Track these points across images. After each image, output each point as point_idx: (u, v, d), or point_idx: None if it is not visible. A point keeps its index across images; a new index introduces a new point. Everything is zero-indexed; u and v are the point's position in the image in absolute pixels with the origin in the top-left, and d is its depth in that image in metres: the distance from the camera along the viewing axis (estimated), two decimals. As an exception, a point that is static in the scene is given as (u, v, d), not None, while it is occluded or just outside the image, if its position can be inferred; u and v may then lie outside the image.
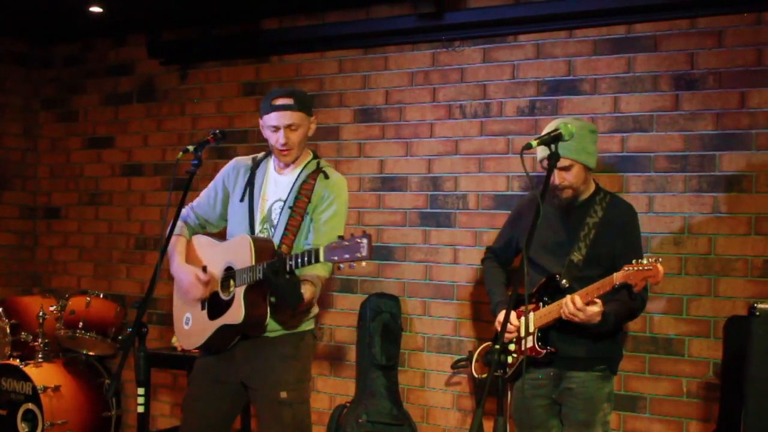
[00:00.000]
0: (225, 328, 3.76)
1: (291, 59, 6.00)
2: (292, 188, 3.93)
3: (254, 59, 6.16)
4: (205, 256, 4.01)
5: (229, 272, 3.81)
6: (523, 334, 4.06)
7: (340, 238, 3.39)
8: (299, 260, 3.51)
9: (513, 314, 4.08)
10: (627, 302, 3.93)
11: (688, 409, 4.70)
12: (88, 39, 6.94)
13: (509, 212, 4.64)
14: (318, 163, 4.01)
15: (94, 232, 6.89)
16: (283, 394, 3.83)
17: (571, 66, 5.06)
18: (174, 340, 5.73)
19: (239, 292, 3.69)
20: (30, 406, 5.69)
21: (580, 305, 3.81)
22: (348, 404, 5.52)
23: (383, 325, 5.45)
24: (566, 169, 3.94)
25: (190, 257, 4.06)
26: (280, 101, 3.88)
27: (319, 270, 3.81)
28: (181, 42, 6.44)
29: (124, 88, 6.78)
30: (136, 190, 6.69)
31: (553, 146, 3.51)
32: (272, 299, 3.73)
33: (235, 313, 3.69)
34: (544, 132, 3.74)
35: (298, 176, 3.96)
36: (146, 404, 3.60)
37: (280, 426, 3.86)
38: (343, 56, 5.81)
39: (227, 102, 6.22)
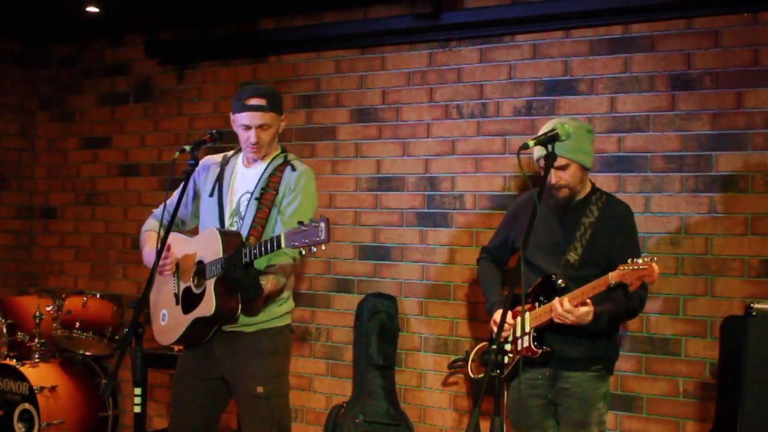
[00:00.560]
0: (198, 321, 3.81)
1: (288, 59, 6.00)
2: (259, 180, 3.98)
3: (251, 59, 6.16)
4: (178, 252, 4.04)
5: (201, 266, 3.84)
6: (519, 333, 4.07)
7: (300, 223, 3.42)
8: (262, 248, 3.54)
9: (509, 315, 4.08)
10: (623, 302, 3.93)
11: (684, 409, 4.71)
12: (85, 39, 6.94)
13: (506, 212, 4.64)
14: (285, 156, 4.07)
15: (91, 232, 6.89)
16: (260, 389, 3.88)
17: (568, 66, 5.06)
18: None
19: (209, 285, 3.73)
20: (27, 406, 5.69)
21: (568, 307, 3.82)
22: (345, 404, 5.52)
23: (380, 325, 5.45)
24: (563, 168, 3.94)
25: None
26: (252, 101, 3.91)
27: (283, 259, 3.84)
28: (178, 42, 6.44)
29: (120, 88, 6.78)
30: (132, 190, 6.69)
31: (550, 146, 3.51)
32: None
33: (207, 306, 3.74)
34: (541, 132, 3.74)
35: (266, 169, 4.01)
36: (143, 404, 3.60)
37: (258, 420, 3.91)
38: (340, 56, 5.81)
39: (224, 102, 6.21)
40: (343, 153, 5.78)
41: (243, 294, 3.74)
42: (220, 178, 4.08)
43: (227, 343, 3.93)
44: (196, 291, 3.84)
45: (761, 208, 4.57)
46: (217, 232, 3.79)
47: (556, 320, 3.88)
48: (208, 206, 4.08)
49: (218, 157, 4.20)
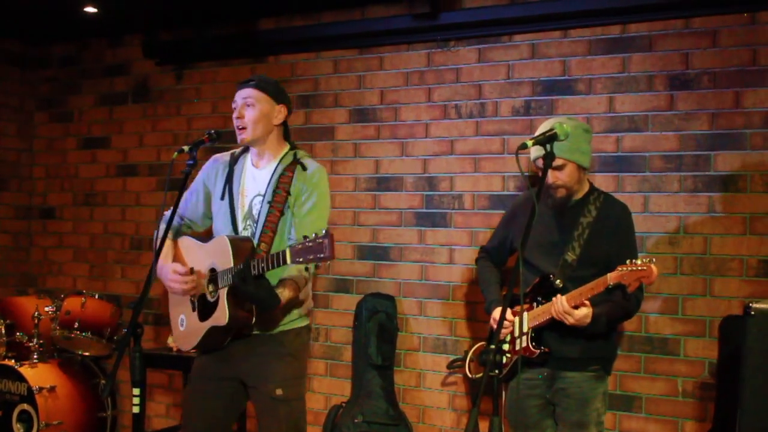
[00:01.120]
0: (213, 330, 3.76)
1: (286, 59, 6.00)
2: (269, 182, 3.89)
3: (250, 59, 6.16)
4: (191, 258, 3.99)
5: (214, 273, 3.80)
6: (517, 333, 4.07)
7: (305, 237, 3.36)
8: (267, 265, 3.49)
9: (508, 312, 4.08)
10: (620, 303, 3.93)
11: (683, 408, 4.71)
12: (84, 39, 6.93)
13: (504, 212, 4.64)
14: (295, 155, 3.96)
15: (89, 233, 6.89)
16: (279, 391, 3.83)
17: (566, 66, 5.06)
18: (170, 340, 5.73)
19: (222, 294, 3.68)
20: (25, 406, 5.68)
21: (566, 308, 3.82)
22: (344, 404, 5.52)
23: (379, 325, 5.45)
24: (560, 168, 3.94)
25: (177, 260, 4.03)
26: (244, 81, 3.93)
27: (296, 271, 3.76)
28: (176, 42, 6.44)
29: (119, 88, 6.77)
30: (131, 190, 6.68)
31: (548, 146, 3.51)
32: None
33: (221, 315, 3.69)
34: (539, 132, 3.74)
35: (275, 169, 3.91)
36: (141, 405, 3.60)
37: (276, 423, 3.86)
38: (339, 56, 5.81)
39: (223, 102, 6.21)
40: (342, 153, 5.78)
41: (258, 306, 3.67)
42: (229, 180, 3.99)
43: (245, 345, 3.88)
44: (211, 299, 3.79)
45: (760, 207, 4.57)
46: (228, 240, 3.72)
47: (555, 317, 3.88)
48: (219, 209, 4.00)
49: (226, 156, 4.10)
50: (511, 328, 4.10)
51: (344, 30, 5.73)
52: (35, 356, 5.86)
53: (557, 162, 3.85)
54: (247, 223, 3.91)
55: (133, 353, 3.54)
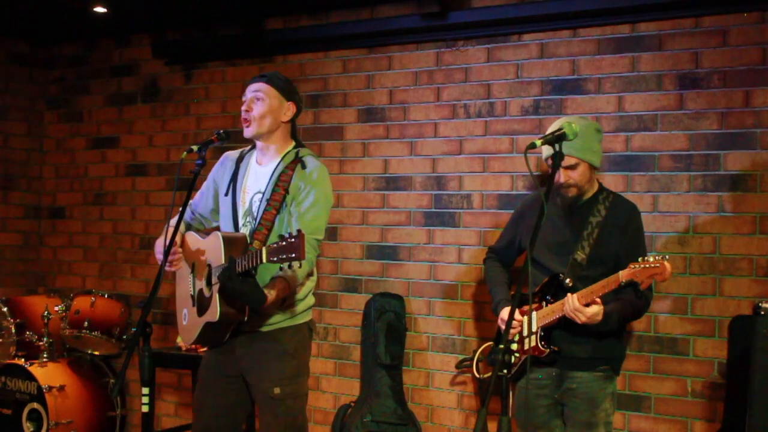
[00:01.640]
0: (209, 326, 3.78)
1: (295, 59, 6.01)
2: (270, 180, 3.89)
3: (258, 59, 6.16)
4: (194, 255, 4.02)
5: (210, 269, 3.83)
6: (526, 333, 4.06)
7: (281, 236, 3.37)
8: (247, 262, 3.47)
9: (516, 311, 4.08)
10: (631, 301, 3.93)
11: (692, 408, 4.70)
12: (92, 39, 6.95)
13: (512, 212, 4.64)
14: (297, 152, 3.95)
15: (99, 232, 6.90)
16: (276, 390, 3.84)
17: (575, 65, 5.06)
18: (179, 339, 5.73)
19: (215, 291, 3.70)
20: (35, 405, 5.71)
21: (578, 306, 3.81)
22: (352, 404, 5.52)
23: (388, 324, 5.45)
24: (572, 167, 3.94)
25: (185, 254, 4.06)
26: (257, 76, 3.95)
27: (282, 271, 3.72)
28: (185, 42, 6.45)
29: (128, 88, 6.79)
30: (140, 190, 6.70)
31: (557, 145, 3.50)
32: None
33: (213, 312, 3.71)
34: (548, 131, 3.74)
35: (277, 167, 3.91)
36: (151, 404, 3.61)
37: (275, 421, 3.88)
38: (347, 56, 5.81)
39: (231, 102, 6.22)
40: (351, 153, 5.78)
41: (245, 303, 3.68)
42: (234, 177, 4.01)
43: (246, 342, 3.89)
44: (207, 294, 3.82)
45: (770, 207, 4.57)
46: (221, 236, 3.74)
47: (567, 315, 3.87)
48: (223, 205, 4.03)
49: (236, 154, 4.11)
50: (519, 328, 4.09)
51: (353, 30, 5.73)
52: (45, 355, 5.89)
53: (570, 161, 3.85)
54: (247, 219, 3.93)
55: (142, 352, 3.55)
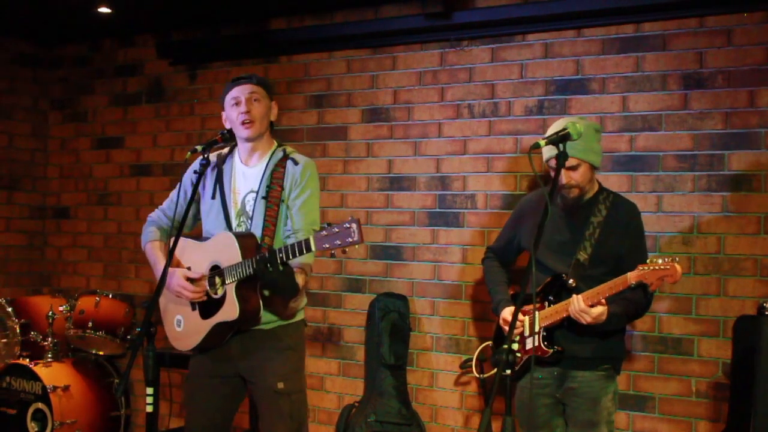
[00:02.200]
0: (220, 326, 3.79)
1: (299, 59, 6.01)
2: (262, 178, 3.94)
3: (263, 59, 6.16)
4: (187, 258, 4.02)
5: (215, 271, 3.82)
6: (528, 332, 4.07)
7: (329, 225, 3.39)
8: (290, 252, 3.52)
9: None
10: (633, 301, 3.94)
11: (697, 408, 4.69)
12: (97, 39, 6.96)
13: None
14: (284, 150, 4.02)
15: (104, 232, 6.91)
16: (280, 385, 3.88)
17: (579, 65, 5.05)
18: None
19: (230, 289, 3.72)
20: (40, 405, 5.71)
21: (583, 307, 3.82)
22: (357, 404, 5.52)
23: (392, 324, 5.45)
24: (574, 168, 3.94)
25: (173, 261, 4.04)
26: (240, 79, 3.98)
27: (307, 258, 3.80)
28: (189, 42, 6.45)
29: (132, 88, 6.80)
30: (144, 190, 6.71)
31: (561, 146, 3.50)
32: (266, 292, 3.78)
33: (230, 310, 3.72)
34: (551, 131, 3.74)
35: (267, 165, 3.97)
36: (155, 404, 3.61)
37: (279, 416, 3.90)
38: (352, 56, 5.81)
39: (236, 102, 6.22)
40: (355, 153, 5.78)
41: (280, 293, 3.75)
42: (219, 179, 4.03)
43: (244, 342, 3.92)
44: (215, 296, 3.82)
45: (774, 207, 4.56)
46: (233, 236, 3.77)
47: (572, 316, 3.87)
48: (210, 208, 4.04)
49: (213, 157, 4.12)
50: (521, 328, 4.10)
51: (357, 30, 5.73)
52: (49, 355, 5.89)
53: (571, 162, 3.85)
54: (241, 219, 3.96)
55: (146, 352, 3.56)
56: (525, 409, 4.13)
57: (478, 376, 4.60)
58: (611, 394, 4.05)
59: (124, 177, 6.82)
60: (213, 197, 4.03)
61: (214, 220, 4.02)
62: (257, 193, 3.93)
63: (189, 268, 3.97)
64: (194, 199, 4.02)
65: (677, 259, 3.69)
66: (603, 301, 3.83)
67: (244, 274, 3.66)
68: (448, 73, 5.46)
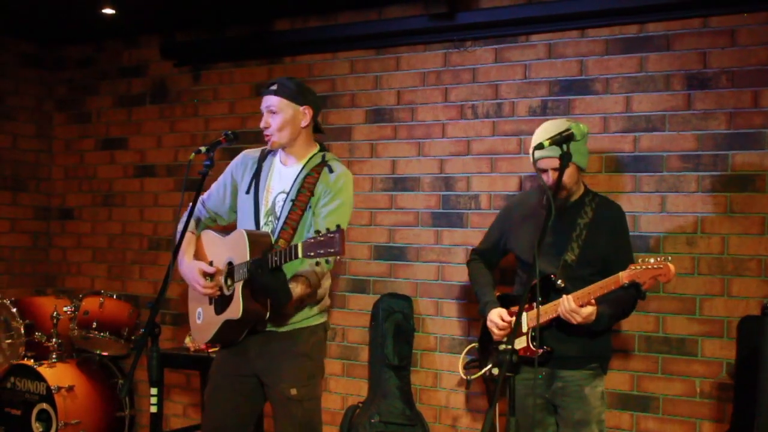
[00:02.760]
0: (228, 323, 3.79)
1: (303, 60, 6.01)
2: (295, 181, 3.92)
3: (266, 60, 6.17)
4: (211, 252, 4.03)
5: (230, 267, 3.83)
6: (525, 329, 4.07)
7: (317, 232, 3.38)
8: (281, 258, 3.51)
9: (504, 312, 4.11)
10: (621, 300, 3.97)
11: (701, 409, 4.69)
12: (101, 40, 6.97)
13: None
14: (323, 156, 3.99)
15: (108, 233, 6.92)
16: (293, 391, 3.85)
17: (583, 66, 5.05)
18: (187, 340, 5.75)
19: (238, 288, 3.71)
20: (44, 406, 5.72)
21: (573, 307, 3.82)
22: (360, 404, 5.52)
23: (396, 325, 5.46)
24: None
25: (199, 254, 4.08)
26: (267, 86, 3.97)
27: (307, 267, 3.79)
28: (193, 43, 6.46)
29: (137, 89, 6.80)
30: (149, 191, 6.71)
31: (564, 146, 3.50)
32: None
33: (235, 309, 3.72)
34: (538, 136, 3.82)
35: (302, 169, 3.95)
36: (159, 404, 3.62)
37: (291, 422, 3.88)
38: (355, 57, 5.82)
39: (240, 103, 6.23)
40: (359, 153, 5.78)
41: (271, 298, 3.69)
42: (257, 175, 4.03)
43: (262, 342, 3.90)
44: (227, 292, 3.82)
45: (778, 207, 4.56)
46: (245, 233, 3.74)
47: (562, 316, 3.87)
48: (244, 203, 4.03)
49: (256, 152, 4.13)
50: (509, 330, 4.09)
51: (361, 30, 5.74)
52: (54, 356, 5.90)
53: (555, 163, 3.83)
54: (269, 219, 3.94)
55: (150, 353, 3.56)
56: (518, 410, 4.13)
57: (465, 377, 4.58)
58: (600, 392, 4.07)
59: (129, 178, 6.83)
60: (248, 192, 4.03)
61: (245, 216, 4.01)
62: (288, 194, 3.92)
63: (211, 262, 3.96)
64: (228, 191, 4.09)
65: (670, 258, 3.69)
66: (593, 301, 3.84)
67: (245, 275, 3.66)
68: (452, 74, 5.47)
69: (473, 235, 5.35)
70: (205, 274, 3.89)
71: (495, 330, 4.14)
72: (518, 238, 4.24)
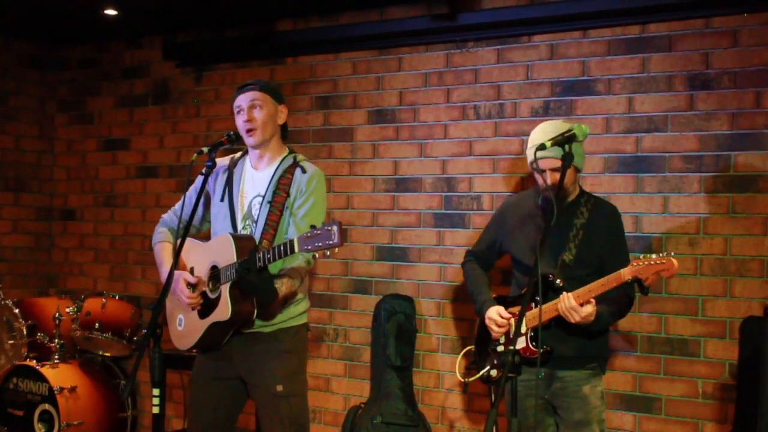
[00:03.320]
0: (215, 326, 3.81)
1: (305, 60, 6.02)
2: (269, 183, 3.96)
3: (269, 61, 6.17)
4: (191, 259, 4.06)
5: (215, 271, 3.85)
6: (512, 334, 4.06)
7: (312, 227, 3.41)
8: (275, 253, 3.54)
9: (502, 309, 4.10)
10: (618, 300, 3.98)
11: (703, 410, 4.69)
12: (103, 41, 6.97)
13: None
14: (295, 158, 4.04)
15: (110, 234, 6.92)
16: (279, 388, 3.89)
17: (585, 66, 5.05)
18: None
19: (225, 290, 3.73)
20: (46, 406, 5.72)
21: (573, 305, 3.82)
22: (363, 405, 5.52)
23: (398, 326, 5.45)
24: (559, 170, 3.93)
25: (181, 260, 4.10)
26: (243, 86, 4.00)
27: (296, 262, 3.83)
28: (196, 44, 6.46)
29: (139, 90, 6.81)
30: (151, 191, 6.72)
31: (566, 146, 3.50)
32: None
33: (223, 311, 3.74)
34: (534, 138, 3.82)
35: (275, 171, 3.98)
36: (161, 405, 3.61)
37: (278, 419, 3.91)
38: (357, 57, 5.82)
39: (242, 103, 6.23)
40: (361, 154, 5.78)
41: (258, 298, 3.74)
42: (229, 182, 4.07)
43: (245, 344, 3.94)
44: (212, 296, 3.85)
45: (781, 208, 4.55)
46: (230, 236, 3.79)
47: (561, 313, 3.87)
48: (219, 210, 4.07)
49: (226, 160, 4.17)
50: (507, 329, 4.09)
51: (363, 31, 5.74)
52: (56, 357, 5.90)
53: (556, 164, 3.84)
54: (246, 222, 3.98)
55: (152, 354, 3.56)
56: (518, 411, 4.13)
57: (462, 380, 4.57)
58: (599, 392, 4.06)
59: (131, 178, 6.83)
60: (222, 200, 4.06)
61: (222, 223, 4.04)
62: (263, 197, 3.96)
63: (192, 269, 4.01)
64: (201, 199, 4.04)
65: (673, 252, 3.69)
66: (593, 300, 3.83)
67: (232, 277, 3.68)
68: (454, 75, 5.46)
69: (475, 236, 5.33)
70: (189, 284, 3.92)
71: (494, 327, 4.13)
72: (515, 239, 4.23)
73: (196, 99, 6.46)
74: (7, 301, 6.11)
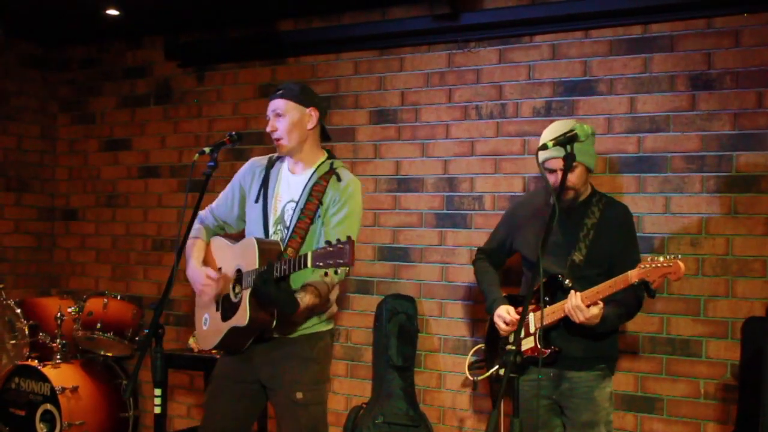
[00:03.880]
0: (234, 330, 3.76)
1: (307, 60, 6.01)
2: (304, 189, 3.90)
3: (270, 61, 6.17)
4: (220, 258, 4.02)
5: (239, 274, 3.81)
6: (523, 334, 4.06)
7: (327, 242, 3.36)
8: (291, 265, 3.49)
9: (511, 308, 4.10)
10: (626, 302, 3.97)
11: (705, 410, 4.68)
12: (105, 41, 6.97)
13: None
14: (332, 164, 3.96)
15: (112, 234, 6.92)
16: (299, 395, 3.83)
17: (587, 66, 5.05)
18: (191, 341, 5.75)
19: (245, 295, 3.68)
20: (48, 406, 5.72)
21: (579, 303, 3.81)
22: (364, 405, 5.52)
23: (399, 326, 5.45)
24: (571, 170, 3.93)
25: (208, 259, 4.07)
26: (275, 91, 3.96)
27: (317, 277, 3.76)
28: (197, 44, 6.46)
29: (140, 90, 6.81)
30: (152, 191, 6.72)
31: (568, 147, 3.50)
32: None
33: (241, 316, 3.69)
34: (546, 135, 3.81)
35: (311, 177, 3.92)
36: (163, 405, 3.61)
37: (296, 427, 3.86)
38: (359, 57, 5.82)
39: (243, 104, 6.23)
40: (362, 154, 5.78)
41: (277, 309, 3.67)
42: (265, 184, 4.01)
43: (268, 348, 3.88)
44: (234, 299, 3.81)
45: (783, 208, 4.55)
46: (255, 241, 3.72)
47: (567, 312, 3.86)
48: (252, 212, 4.01)
49: (263, 160, 4.11)
50: (514, 327, 4.09)
51: (365, 31, 5.73)
52: (58, 357, 5.90)
53: (560, 164, 3.84)
54: (278, 227, 3.92)
55: (154, 354, 3.55)
56: (524, 411, 4.13)
57: (471, 378, 4.58)
58: (608, 393, 4.06)
59: (132, 179, 6.83)
60: (256, 201, 4.00)
61: (254, 225, 3.99)
62: (297, 203, 3.89)
63: (220, 269, 3.95)
64: (236, 201, 4.08)
65: (680, 255, 3.69)
66: (601, 303, 3.83)
67: (251, 285, 3.63)
68: (456, 75, 5.46)
69: (477, 236, 5.34)
70: (210, 279, 3.87)
71: (502, 325, 4.13)
72: (524, 238, 4.24)
73: (196, 99, 6.46)
74: (9, 301, 6.11)
